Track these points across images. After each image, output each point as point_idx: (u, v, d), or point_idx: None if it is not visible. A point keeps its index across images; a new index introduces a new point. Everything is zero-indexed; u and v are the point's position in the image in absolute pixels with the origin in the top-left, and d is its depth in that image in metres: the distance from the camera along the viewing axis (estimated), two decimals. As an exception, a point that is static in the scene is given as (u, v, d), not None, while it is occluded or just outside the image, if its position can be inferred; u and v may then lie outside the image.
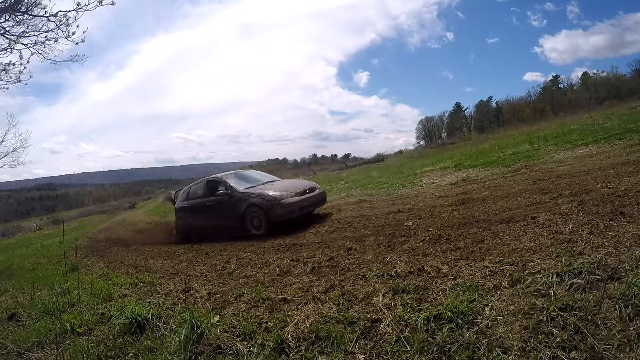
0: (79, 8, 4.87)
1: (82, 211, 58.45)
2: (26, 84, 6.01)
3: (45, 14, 4.97)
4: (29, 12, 4.91)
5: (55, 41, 5.14)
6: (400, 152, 60.97)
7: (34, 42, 5.19)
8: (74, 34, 5.16)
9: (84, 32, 5.22)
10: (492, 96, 69.28)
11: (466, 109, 71.68)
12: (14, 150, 11.66)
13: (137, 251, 8.53)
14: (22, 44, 5.24)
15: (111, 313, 3.54)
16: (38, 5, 4.89)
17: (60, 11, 4.96)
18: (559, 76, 62.70)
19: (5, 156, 11.47)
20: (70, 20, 5.01)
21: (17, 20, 4.95)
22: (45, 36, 5.10)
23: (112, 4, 4.89)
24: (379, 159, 50.38)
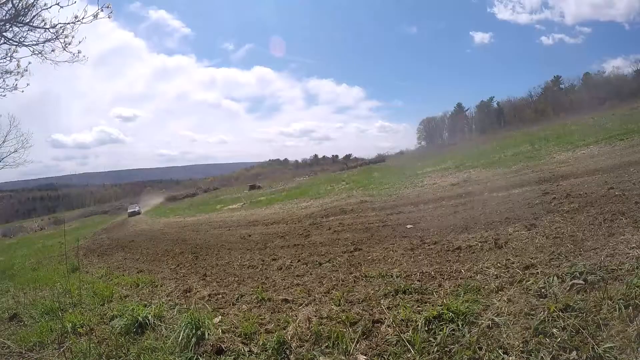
0: (77, 21, 4.95)
1: (84, 211, 58.56)
2: (22, 91, 6.02)
3: (44, 25, 5.05)
4: (30, 23, 4.97)
5: (53, 51, 5.23)
6: (401, 152, 61.08)
7: (35, 43, 5.24)
8: (70, 44, 5.25)
9: (79, 42, 5.33)
10: (494, 97, 69.19)
11: (467, 109, 71.66)
12: (15, 151, 11.72)
13: (138, 251, 8.55)
14: (24, 44, 5.28)
15: (113, 313, 3.55)
16: (38, 17, 4.95)
17: (59, 23, 5.04)
18: (560, 76, 62.60)
19: (6, 156, 11.51)
20: (68, 31, 5.09)
21: (18, 30, 5.04)
22: (44, 45, 5.20)
23: (108, 17, 4.96)
24: (380, 159, 50.46)
